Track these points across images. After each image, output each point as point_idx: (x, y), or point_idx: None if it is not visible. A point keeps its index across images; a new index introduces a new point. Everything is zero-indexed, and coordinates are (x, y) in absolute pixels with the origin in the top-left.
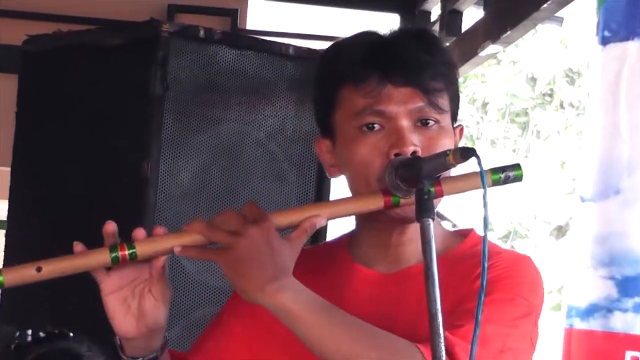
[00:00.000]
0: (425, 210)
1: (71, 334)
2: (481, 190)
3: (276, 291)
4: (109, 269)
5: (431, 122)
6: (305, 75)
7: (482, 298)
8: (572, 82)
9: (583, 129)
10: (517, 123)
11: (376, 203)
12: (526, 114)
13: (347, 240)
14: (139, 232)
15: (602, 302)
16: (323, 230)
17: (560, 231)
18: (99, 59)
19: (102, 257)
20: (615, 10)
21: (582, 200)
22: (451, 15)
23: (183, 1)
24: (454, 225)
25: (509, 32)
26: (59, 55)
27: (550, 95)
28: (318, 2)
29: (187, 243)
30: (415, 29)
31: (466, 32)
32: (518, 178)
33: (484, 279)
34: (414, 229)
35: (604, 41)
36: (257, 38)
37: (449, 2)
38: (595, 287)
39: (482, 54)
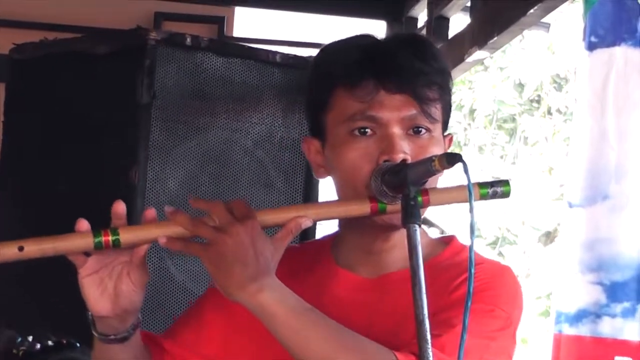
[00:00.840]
0: (411, 215)
1: (78, 344)
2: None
3: (257, 290)
4: (87, 254)
5: (423, 131)
6: (292, 82)
7: (469, 304)
8: (559, 88)
9: (571, 135)
10: (504, 129)
11: (363, 209)
12: (514, 120)
13: (331, 241)
14: (119, 206)
15: (591, 308)
16: (311, 230)
17: (549, 237)
18: (86, 67)
19: (85, 241)
20: (601, 15)
21: (570, 206)
22: (438, 22)
23: (170, 9)
24: (442, 232)
25: (495, 38)
26: (46, 64)
27: (538, 102)
28: (305, 10)
29: (171, 234)
30: (412, 36)
31: (453, 38)
32: (505, 194)
33: (470, 285)
34: (399, 235)
35: (591, 47)
36: (244, 45)
37: (436, 9)
38: (583, 292)
39: (469, 59)
